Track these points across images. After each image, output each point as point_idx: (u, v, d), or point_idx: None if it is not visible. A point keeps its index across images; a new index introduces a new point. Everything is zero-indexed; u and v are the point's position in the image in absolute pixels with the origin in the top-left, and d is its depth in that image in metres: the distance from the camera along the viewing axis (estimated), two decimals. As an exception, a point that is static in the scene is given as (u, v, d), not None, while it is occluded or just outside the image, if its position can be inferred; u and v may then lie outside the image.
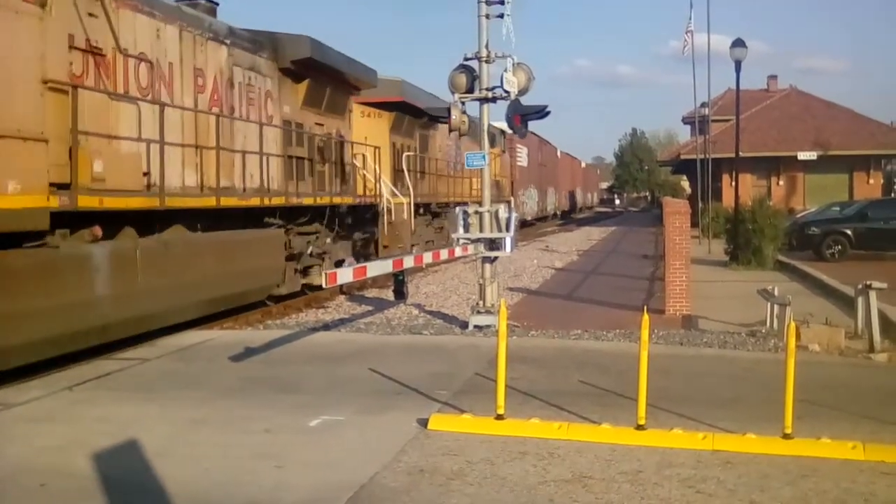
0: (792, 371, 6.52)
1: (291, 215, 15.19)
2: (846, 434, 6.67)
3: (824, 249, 23.87)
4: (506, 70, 12.03)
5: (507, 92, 12.13)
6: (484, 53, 12.21)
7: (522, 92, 12.28)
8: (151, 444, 6.69)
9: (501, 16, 12.13)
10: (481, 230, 12.53)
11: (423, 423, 7.18)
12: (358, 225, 18.96)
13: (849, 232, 24.13)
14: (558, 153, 63.12)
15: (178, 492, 5.72)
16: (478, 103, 12.59)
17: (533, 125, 26.91)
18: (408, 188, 21.69)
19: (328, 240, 16.76)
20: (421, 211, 24.23)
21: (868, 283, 11.00)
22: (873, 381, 9.26)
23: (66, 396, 8.40)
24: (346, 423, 7.35)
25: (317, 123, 17.03)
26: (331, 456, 6.48)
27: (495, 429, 6.97)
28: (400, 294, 15.87)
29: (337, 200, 17.02)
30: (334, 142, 17.78)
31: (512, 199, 35.76)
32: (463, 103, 12.59)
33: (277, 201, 14.47)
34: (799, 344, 8.05)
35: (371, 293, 17.20)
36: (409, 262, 11.90)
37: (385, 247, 19.62)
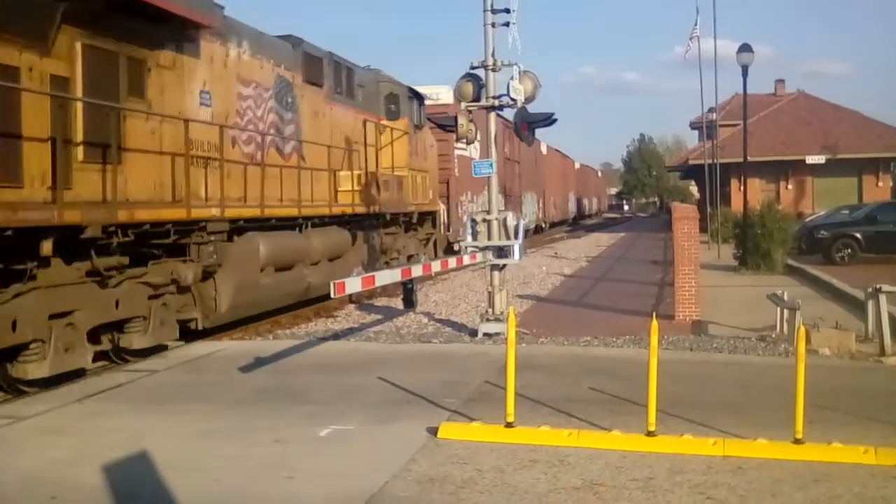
0: (802, 375, 6.50)
1: None
2: (858, 438, 6.64)
3: (834, 253, 23.76)
4: (512, 78, 12.05)
5: (513, 100, 12.15)
6: (490, 62, 12.21)
7: (529, 100, 12.30)
8: (161, 455, 6.70)
9: (507, 24, 12.15)
10: (489, 238, 12.52)
11: (433, 431, 7.17)
12: None
13: (858, 235, 24.03)
14: (543, 148, 47.04)
15: (188, 503, 5.73)
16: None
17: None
18: None
19: None
20: (73, 246, 9.22)
21: (878, 286, 10.97)
22: (884, 384, 9.21)
23: (77, 409, 8.42)
24: (355, 433, 7.35)
25: None
26: (341, 465, 6.48)
27: (505, 437, 6.96)
28: (409, 302, 15.87)
29: None
30: None
31: (442, 207, 24.34)
32: (470, 111, 12.61)
33: None
34: (809, 348, 8.02)
35: (380, 302, 17.20)
36: (417, 271, 11.91)
37: None
